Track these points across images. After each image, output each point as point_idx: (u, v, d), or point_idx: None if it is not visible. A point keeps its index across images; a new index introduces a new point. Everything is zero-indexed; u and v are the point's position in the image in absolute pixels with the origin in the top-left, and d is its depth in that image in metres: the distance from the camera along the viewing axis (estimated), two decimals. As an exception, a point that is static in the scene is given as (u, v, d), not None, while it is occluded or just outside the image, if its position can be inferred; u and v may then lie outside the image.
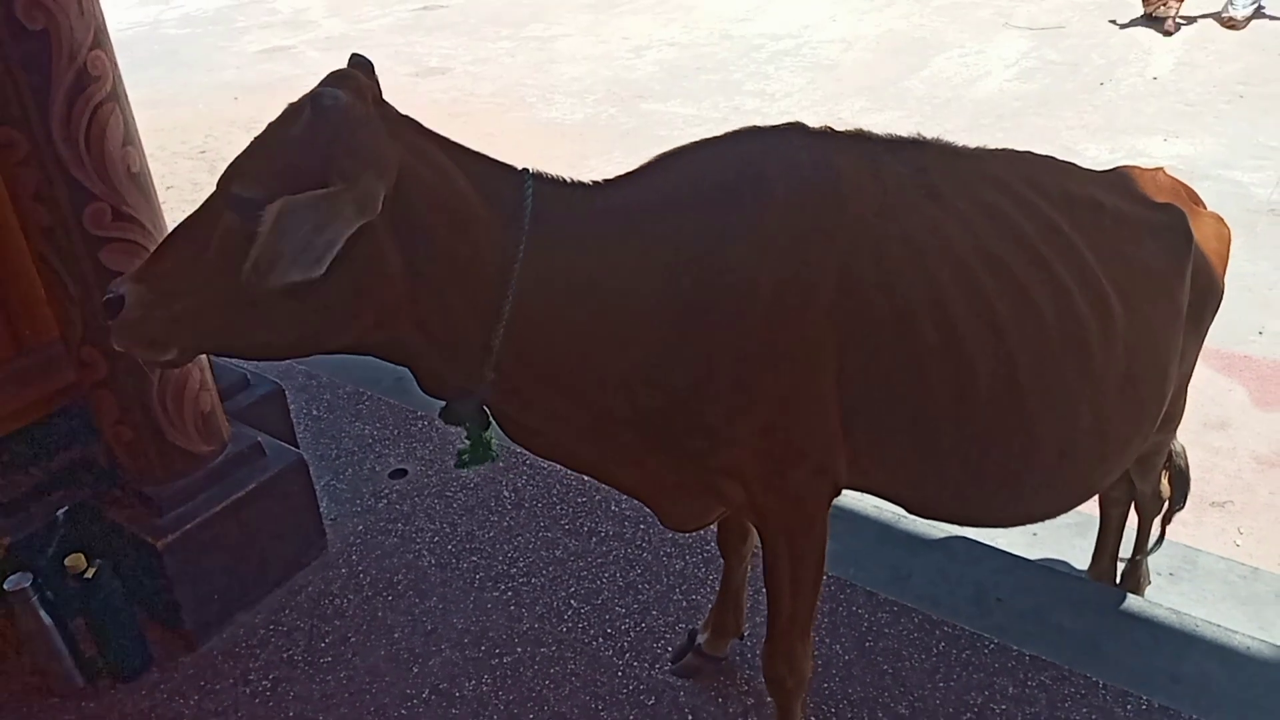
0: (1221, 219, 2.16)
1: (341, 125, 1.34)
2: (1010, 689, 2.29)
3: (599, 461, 1.77)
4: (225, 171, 1.42)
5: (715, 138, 1.68)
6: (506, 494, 2.99)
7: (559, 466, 3.00)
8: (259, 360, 1.58)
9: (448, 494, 3.01)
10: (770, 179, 1.62)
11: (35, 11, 1.95)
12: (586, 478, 2.90)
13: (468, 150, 1.53)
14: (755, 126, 1.70)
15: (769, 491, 1.74)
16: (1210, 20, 8.36)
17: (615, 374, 1.60)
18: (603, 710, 2.29)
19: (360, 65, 1.47)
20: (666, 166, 1.65)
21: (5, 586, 2.26)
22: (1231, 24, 8.17)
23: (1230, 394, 3.96)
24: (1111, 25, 8.55)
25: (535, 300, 1.51)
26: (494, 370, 1.53)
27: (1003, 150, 1.92)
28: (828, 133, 1.70)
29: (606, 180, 1.64)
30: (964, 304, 1.66)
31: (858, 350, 1.63)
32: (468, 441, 1.69)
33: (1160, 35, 8.18)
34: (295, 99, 1.42)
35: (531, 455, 3.03)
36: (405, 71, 8.45)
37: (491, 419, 1.67)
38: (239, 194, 1.35)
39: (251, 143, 1.41)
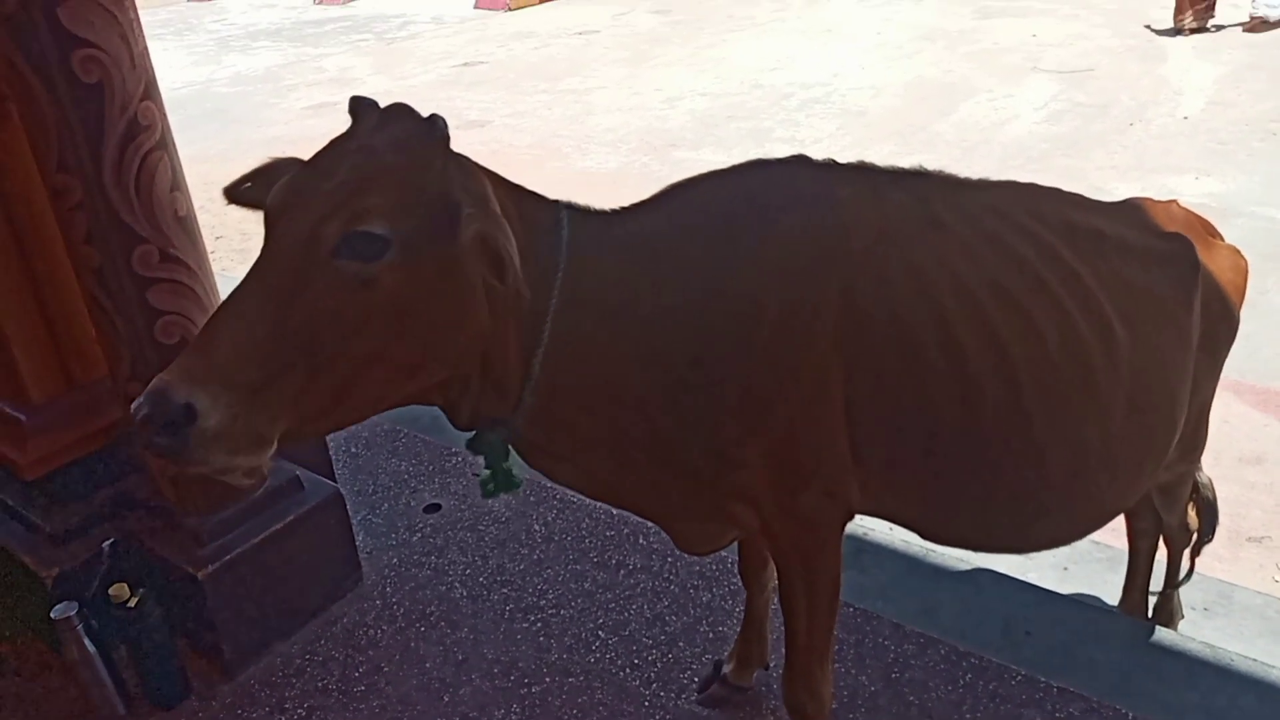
0: (1239, 251, 2.18)
1: (448, 149, 1.41)
2: (1038, 720, 2.28)
3: (616, 485, 1.81)
4: (327, 223, 1.32)
5: (723, 170, 1.75)
6: (537, 528, 3.04)
7: (589, 501, 3.10)
8: (356, 423, 1.51)
9: (480, 528, 3.06)
10: (774, 209, 1.68)
11: (91, 66, 2.08)
12: (612, 509, 3.00)
13: (509, 182, 1.61)
14: (761, 159, 1.77)
15: (780, 514, 1.78)
16: (1234, 29, 8.40)
17: (632, 395, 1.66)
18: (629, 739, 2.31)
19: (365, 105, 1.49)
20: (678, 196, 1.73)
21: (52, 615, 2.34)
22: (1262, 25, 8.24)
23: (1266, 429, 3.91)
24: (1142, 67, 8.57)
25: (568, 325, 1.58)
26: (533, 395, 1.59)
27: (1005, 181, 1.97)
28: (830, 164, 1.76)
29: (624, 208, 1.72)
30: (968, 328, 1.70)
31: (864, 375, 1.68)
32: (488, 471, 1.73)
33: (1192, 70, 8.20)
34: (341, 133, 1.44)
35: (561, 490, 3.13)
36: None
37: (511, 448, 1.72)
38: (369, 231, 1.32)
39: (345, 185, 1.34)
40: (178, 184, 2.29)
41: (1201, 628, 2.83)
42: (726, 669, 2.37)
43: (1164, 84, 8.20)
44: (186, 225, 2.31)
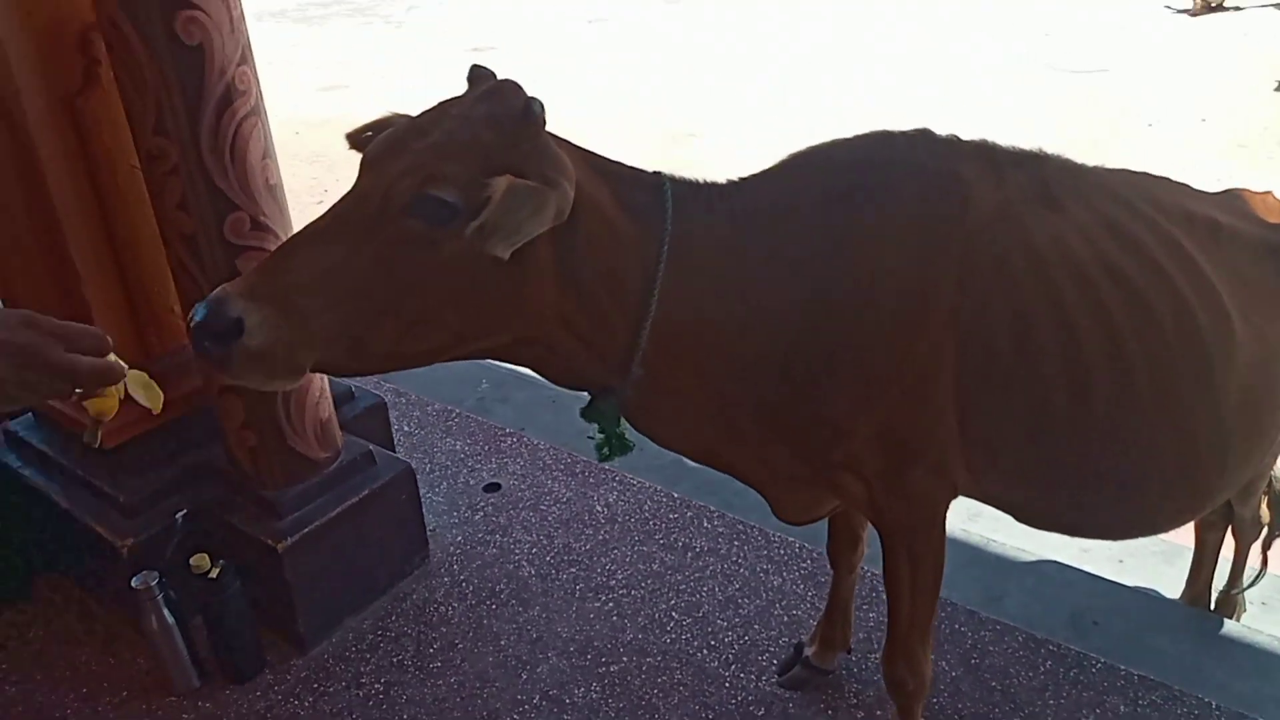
0: None
1: (539, 133, 1.40)
2: (1122, 708, 2.29)
3: (721, 450, 1.81)
4: (404, 179, 1.35)
5: (845, 140, 1.74)
6: (599, 509, 3.03)
7: (649, 483, 3.09)
8: (382, 373, 1.56)
9: (541, 507, 3.05)
10: (896, 183, 1.67)
11: (193, 28, 2.05)
12: (676, 492, 3.01)
13: (607, 159, 1.60)
14: (885, 131, 1.76)
15: (888, 489, 1.78)
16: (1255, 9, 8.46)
17: (742, 366, 1.65)
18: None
19: (485, 72, 1.50)
20: (797, 167, 1.71)
21: (133, 584, 2.32)
22: None
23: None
24: (1156, 69, 8.62)
25: (677, 299, 1.57)
26: (641, 366, 1.59)
27: (1121, 169, 1.97)
28: (953, 140, 1.75)
29: (740, 180, 1.71)
30: (1084, 311, 1.70)
31: (976, 354, 1.68)
32: (602, 435, 1.73)
33: (1209, 71, 8.25)
34: (452, 96, 1.45)
35: (621, 472, 3.13)
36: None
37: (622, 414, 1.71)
38: (439, 197, 1.34)
39: (433, 148, 1.37)
40: (269, 151, 2.26)
41: (1262, 621, 2.85)
42: (809, 651, 2.37)
43: (1181, 84, 8.24)
44: (276, 193, 2.29)
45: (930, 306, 1.65)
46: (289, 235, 2.32)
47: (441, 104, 1.46)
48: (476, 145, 1.38)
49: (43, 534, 2.74)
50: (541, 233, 1.38)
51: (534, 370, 1.63)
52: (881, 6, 11.81)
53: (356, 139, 1.54)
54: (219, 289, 1.30)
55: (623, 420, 1.71)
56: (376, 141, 1.43)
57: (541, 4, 13.40)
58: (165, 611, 2.35)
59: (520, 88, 1.43)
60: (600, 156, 1.59)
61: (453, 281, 1.39)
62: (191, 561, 2.35)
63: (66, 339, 1.12)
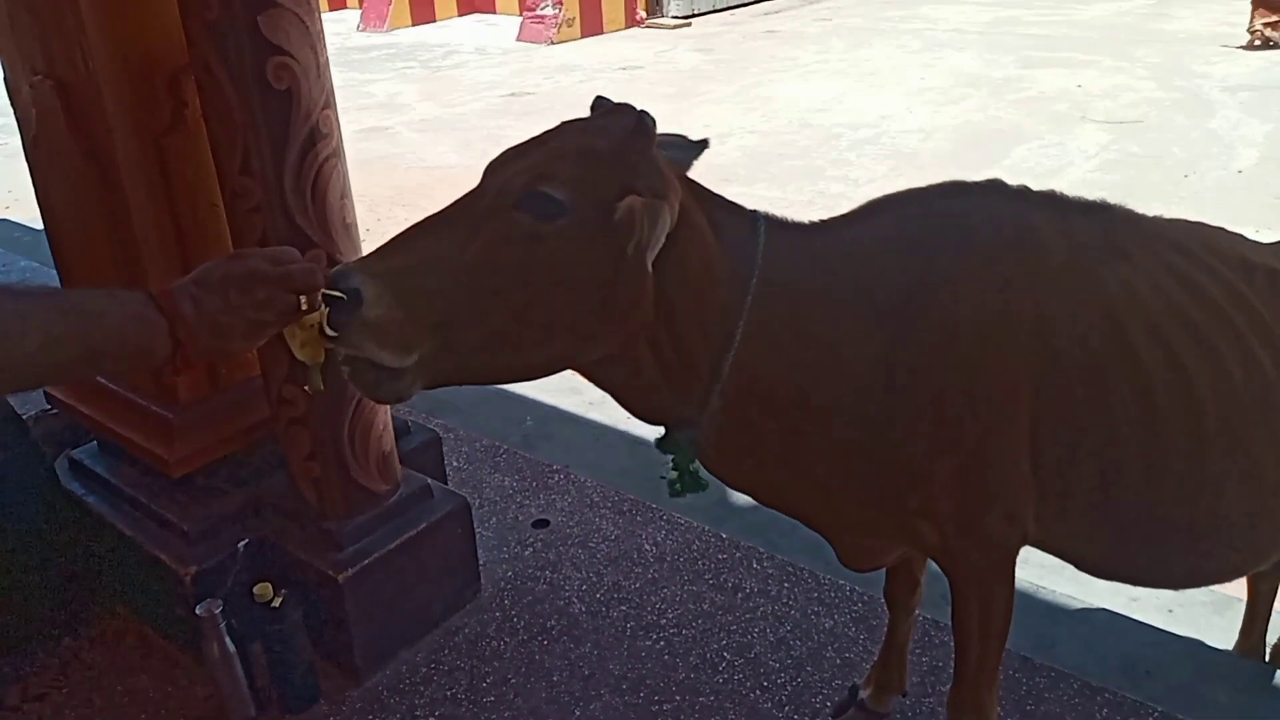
0: None
1: (649, 146, 1.46)
2: (1182, 757, 2.28)
3: (791, 492, 1.83)
4: (518, 177, 1.42)
5: (922, 189, 1.79)
6: (648, 547, 3.05)
7: (697, 523, 3.12)
8: (483, 384, 1.61)
9: (590, 544, 3.08)
10: (973, 230, 1.72)
11: (283, 73, 2.13)
12: (724, 533, 3.02)
13: (705, 189, 1.65)
14: (959, 181, 1.81)
15: (961, 535, 1.80)
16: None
17: (820, 405, 1.69)
18: (769, 760, 2.32)
19: (607, 102, 1.59)
20: (878, 211, 1.76)
21: (197, 611, 2.36)
22: None
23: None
24: (1191, 120, 8.67)
25: (761, 332, 1.61)
26: (721, 399, 1.63)
27: (1179, 219, 2.01)
28: (1024, 190, 1.81)
29: (823, 221, 1.77)
30: (1155, 358, 1.73)
31: (1049, 399, 1.70)
32: (674, 472, 1.77)
33: (1242, 124, 8.29)
34: (574, 117, 1.55)
35: (669, 511, 3.15)
36: (498, 153, 8.79)
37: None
38: (549, 193, 1.40)
39: (548, 152, 1.45)
40: (346, 191, 2.34)
41: (1317, 674, 2.83)
42: (864, 694, 2.38)
43: (1215, 137, 8.28)
44: (351, 232, 2.36)
45: (1007, 350, 1.69)
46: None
47: (563, 123, 1.55)
48: (589, 152, 1.46)
49: (105, 562, 2.79)
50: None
51: (615, 397, 1.67)
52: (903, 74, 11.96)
53: None
54: (343, 264, 1.43)
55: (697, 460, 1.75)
56: (500, 154, 1.52)
57: (578, 55, 13.66)
58: (227, 639, 2.38)
59: (632, 108, 1.50)
60: (699, 183, 1.63)
61: (549, 279, 1.43)
62: (255, 590, 2.39)
63: (271, 258, 1.31)
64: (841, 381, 1.68)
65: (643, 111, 1.47)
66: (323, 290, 1.33)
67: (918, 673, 2.51)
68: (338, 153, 2.29)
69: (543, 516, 3.21)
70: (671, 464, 1.74)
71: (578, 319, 1.50)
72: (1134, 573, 2.02)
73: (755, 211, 1.69)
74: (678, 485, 1.76)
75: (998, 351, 1.69)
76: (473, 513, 3.16)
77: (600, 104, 1.60)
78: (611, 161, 1.44)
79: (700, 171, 1.69)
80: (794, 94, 10.76)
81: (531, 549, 3.07)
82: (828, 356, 1.67)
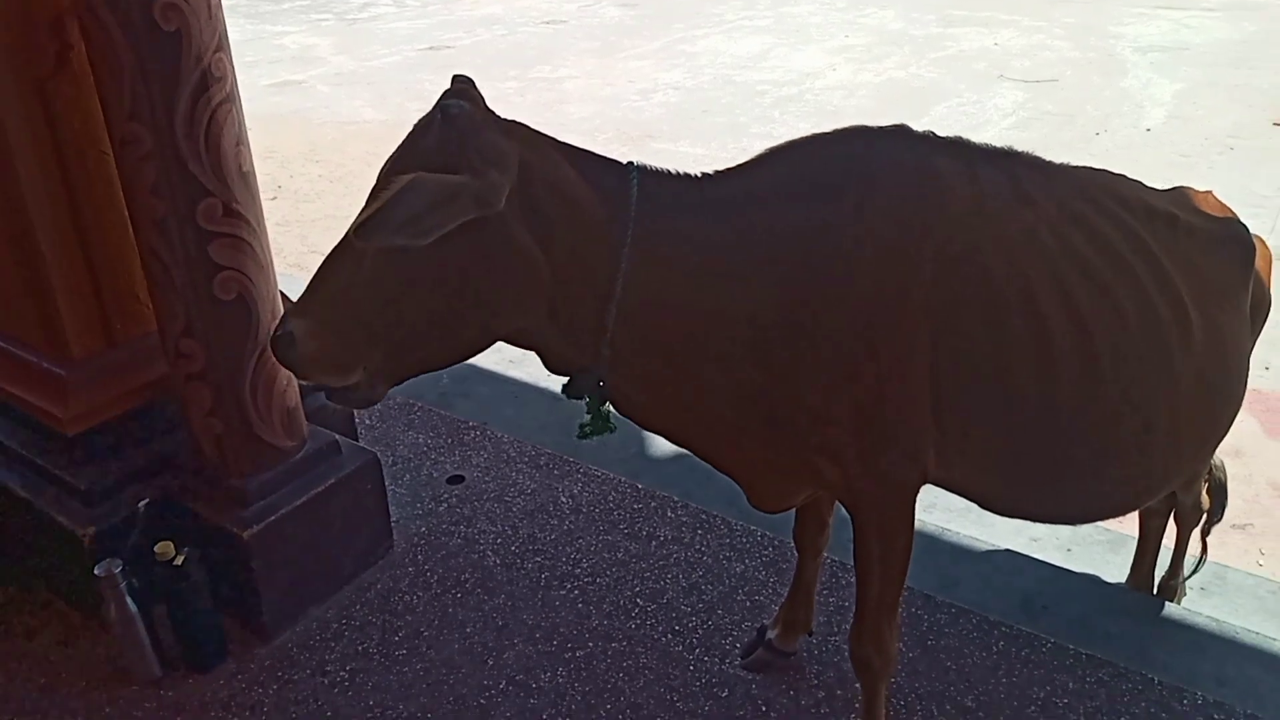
0: (1262, 239, 2.30)
1: (467, 129, 1.49)
2: (1071, 685, 2.38)
3: (697, 435, 1.87)
4: (370, 201, 1.50)
5: (824, 134, 1.81)
6: (564, 500, 3.06)
7: (614, 475, 3.14)
8: (441, 369, 1.72)
9: (506, 499, 3.08)
10: (876, 173, 1.75)
11: (170, 13, 2.05)
12: (640, 483, 3.05)
13: (574, 147, 1.67)
14: (864, 126, 1.83)
15: (863, 473, 1.84)
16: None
17: (717, 350, 1.72)
18: (678, 701, 2.36)
19: (464, 81, 1.61)
20: (775, 160, 1.78)
21: (96, 572, 2.30)
22: None
23: (1242, 424, 4.08)
24: (1104, 79, 8.88)
25: (642, 282, 1.64)
26: (609, 347, 1.66)
27: (1086, 166, 2.06)
28: (930, 136, 1.83)
29: (715, 172, 1.77)
30: (1052, 301, 1.78)
31: (949, 342, 1.75)
32: (588, 415, 1.79)
33: (1152, 85, 8.52)
34: (421, 116, 1.57)
35: (586, 464, 3.17)
36: (417, 108, 8.60)
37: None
38: None
39: (390, 162, 1.54)
40: (242, 138, 2.27)
41: (1201, 605, 2.97)
42: (772, 634, 2.43)
43: (1126, 96, 8.50)
44: (249, 180, 2.30)
45: (908, 294, 1.72)
46: (260, 222, 2.35)
47: (419, 120, 1.57)
48: (418, 154, 1.51)
49: (0, 526, 2.70)
50: (509, 220, 1.51)
51: (539, 355, 1.72)
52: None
53: None
54: (285, 310, 1.61)
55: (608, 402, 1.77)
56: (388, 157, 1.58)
57: (501, 8, 13.40)
58: (128, 600, 2.33)
59: (445, 100, 1.52)
60: (567, 144, 1.65)
61: (431, 279, 1.53)
62: (156, 549, 2.35)
63: None
64: (737, 325, 1.70)
65: (446, 103, 1.50)
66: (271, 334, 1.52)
67: (824, 613, 2.57)
68: (232, 98, 2.21)
69: (458, 473, 3.20)
70: (585, 409, 1.77)
71: (481, 303, 1.57)
72: (1033, 508, 2.09)
73: (629, 163, 1.70)
74: (587, 428, 1.79)
75: (898, 294, 1.72)
76: (387, 470, 3.15)
77: (457, 82, 1.59)
78: (435, 157, 1.48)
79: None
80: (719, 49, 10.73)
81: (446, 504, 3.06)
82: (721, 302, 1.69)
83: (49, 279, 2.37)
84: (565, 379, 1.75)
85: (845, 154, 1.77)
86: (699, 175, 1.75)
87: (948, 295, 1.73)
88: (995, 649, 2.49)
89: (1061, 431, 1.87)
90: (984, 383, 1.80)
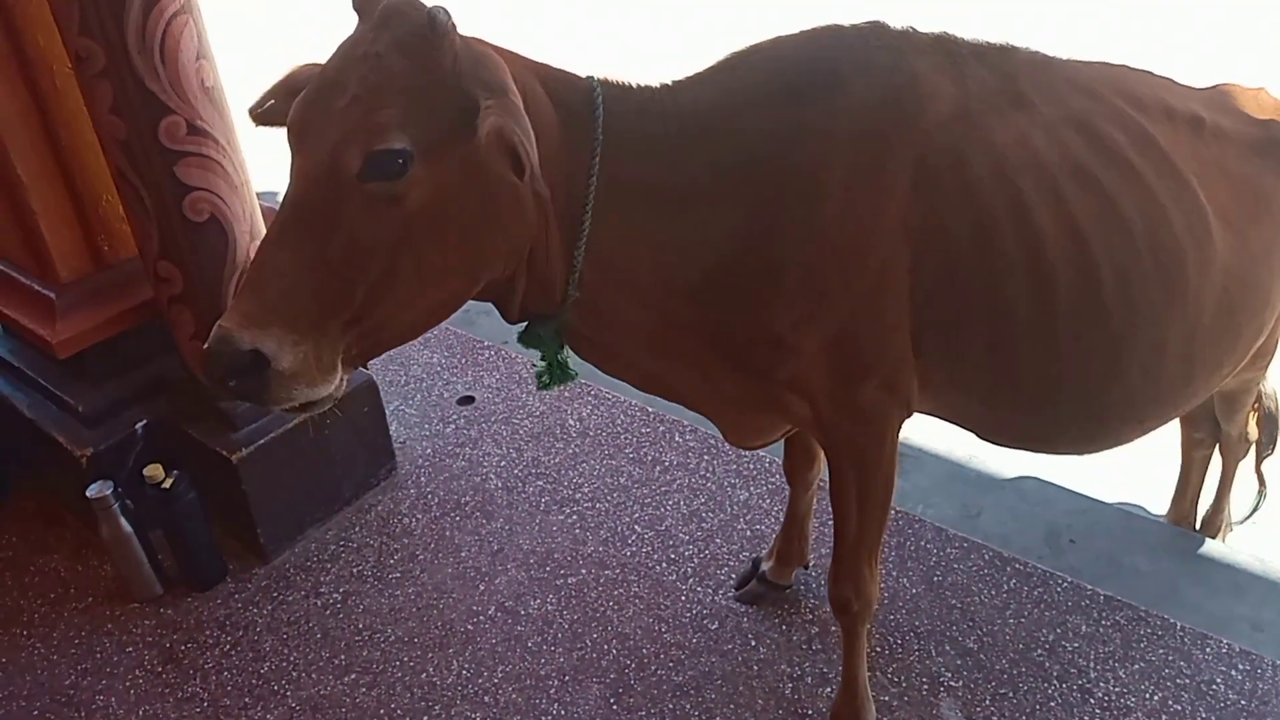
0: None
1: (454, 42, 1.30)
2: (1083, 628, 2.24)
3: (666, 375, 1.75)
4: (346, 147, 1.26)
5: (789, 36, 1.62)
6: (572, 422, 2.99)
7: (624, 397, 3.04)
8: (415, 338, 1.51)
9: (514, 421, 3.02)
10: (844, 79, 1.55)
11: (112, -80, 1.95)
12: (648, 405, 2.95)
13: (532, 61, 1.49)
14: (835, 25, 1.63)
15: (836, 408, 1.70)
16: None
17: (683, 280, 1.57)
18: (666, 632, 2.29)
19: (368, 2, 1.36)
20: (738, 65, 1.60)
21: (89, 494, 2.33)
22: None
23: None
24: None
25: (610, 210, 1.49)
26: (577, 287, 1.52)
27: (1098, 61, 1.83)
28: (909, 33, 1.62)
29: (676, 81, 1.60)
30: (1047, 215, 1.59)
31: (932, 261, 1.58)
32: (544, 363, 1.67)
33: None
34: (348, 37, 1.33)
35: (597, 386, 3.07)
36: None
37: (564, 341, 1.66)
38: (388, 149, 1.25)
39: (359, 101, 1.26)
40: (204, 52, 2.17)
41: (1247, 541, 2.76)
42: (766, 567, 2.34)
43: None
44: (214, 96, 2.20)
45: (882, 212, 1.55)
46: (231, 140, 2.26)
47: (340, 48, 1.34)
48: (399, 80, 1.28)
49: (15, 443, 2.76)
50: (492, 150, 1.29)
51: (498, 307, 1.55)
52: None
53: (259, 114, 1.45)
54: (216, 328, 1.25)
55: (565, 348, 1.66)
56: (294, 110, 1.33)
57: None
58: (122, 520, 2.36)
59: (413, 6, 1.30)
60: (528, 58, 1.48)
61: (433, 225, 1.33)
62: (145, 472, 2.35)
63: None
64: (708, 256, 1.55)
65: (432, 9, 1.28)
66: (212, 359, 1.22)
67: (826, 545, 2.46)
68: (188, 9, 2.10)
69: (469, 393, 3.15)
70: (540, 356, 1.65)
71: (478, 251, 1.38)
72: (1030, 439, 1.92)
73: (591, 78, 1.52)
74: (545, 378, 1.68)
75: (872, 214, 1.55)
76: (397, 390, 3.13)
77: (362, 4, 1.35)
78: (429, 79, 1.28)
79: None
80: None
81: (454, 425, 3.01)
82: (688, 233, 1.53)
83: (28, 202, 2.34)
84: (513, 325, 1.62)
85: (812, 57, 1.59)
86: (659, 86, 1.58)
87: (928, 211, 1.56)
88: (1006, 587, 2.35)
89: (1059, 356, 1.69)
90: (973, 306, 1.63)
